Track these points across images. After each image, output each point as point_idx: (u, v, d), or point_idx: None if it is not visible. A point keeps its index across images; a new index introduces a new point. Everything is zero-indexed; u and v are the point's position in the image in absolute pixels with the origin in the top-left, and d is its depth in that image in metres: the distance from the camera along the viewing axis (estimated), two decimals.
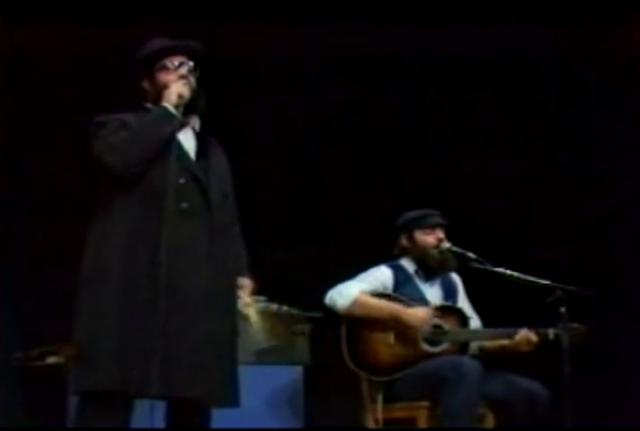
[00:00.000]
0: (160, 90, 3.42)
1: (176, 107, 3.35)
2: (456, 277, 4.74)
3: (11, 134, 5.38)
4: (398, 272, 4.60)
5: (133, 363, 3.18)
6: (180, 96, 3.35)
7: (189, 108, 3.40)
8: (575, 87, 5.89)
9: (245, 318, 3.58)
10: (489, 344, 4.58)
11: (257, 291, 3.69)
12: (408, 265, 4.65)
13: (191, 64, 3.45)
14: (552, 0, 5.67)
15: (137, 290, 3.24)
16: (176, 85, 3.37)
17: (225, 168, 3.57)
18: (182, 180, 3.33)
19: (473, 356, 4.45)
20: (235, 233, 3.59)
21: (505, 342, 4.51)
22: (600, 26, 5.75)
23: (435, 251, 4.59)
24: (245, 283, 3.56)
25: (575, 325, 4.33)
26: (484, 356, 4.51)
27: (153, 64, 3.47)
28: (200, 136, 3.53)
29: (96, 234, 3.38)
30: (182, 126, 3.40)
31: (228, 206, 3.53)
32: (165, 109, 3.35)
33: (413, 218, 4.66)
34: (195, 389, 3.25)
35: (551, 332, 4.39)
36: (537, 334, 4.42)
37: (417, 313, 4.40)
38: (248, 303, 3.54)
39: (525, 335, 4.42)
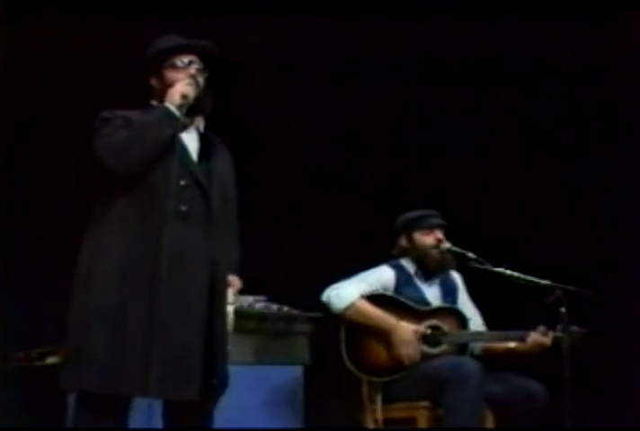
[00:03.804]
0: (167, 88, 3.36)
1: (180, 107, 3.29)
2: (455, 275, 4.74)
3: (10, 133, 5.38)
4: (400, 272, 4.60)
5: (127, 364, 3.16)
6: (184, 96, 3.30)
7: (194, 108, 3.35)
8: (575, 87, 5.89)
9: None
10: (495, 346, 4.58)
11: (244, 290, 3.65)
12: (408, 265, 4.65)
13: (201, 64, 3.41)
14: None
15: (133, 291, 3.22)
16: (181, 85, 3.32)
17: (227, 169, 3.53)
18: (182, 182, 3.30)
19: (472, 357, 4.46)
20: (232, 235, 3.54)
21: (513, 345, 4.51)
22: (598, 26, 5.75)
23: (435, 252, 4.59)
24: (233, 281, 3.51)
25: (574, 328, 4.32)
26: (487, 357, 4.51)
27: (162, 61, 3.43)
28: (203, 137, 3.48)
29: (93, 234, 3.35)
30: (185, 127, 3.36)
31: (229, 207, 3.50)
32: (167, 109, 3.29)
33: (413, 219, 4.66)
34: (191, 391, 3.22)
35: (550, 336, 4.38)
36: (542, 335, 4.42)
37: (403, 335, 4.38)
38: (230, 302, 3.46)
39: (536, 339, 4.41)
